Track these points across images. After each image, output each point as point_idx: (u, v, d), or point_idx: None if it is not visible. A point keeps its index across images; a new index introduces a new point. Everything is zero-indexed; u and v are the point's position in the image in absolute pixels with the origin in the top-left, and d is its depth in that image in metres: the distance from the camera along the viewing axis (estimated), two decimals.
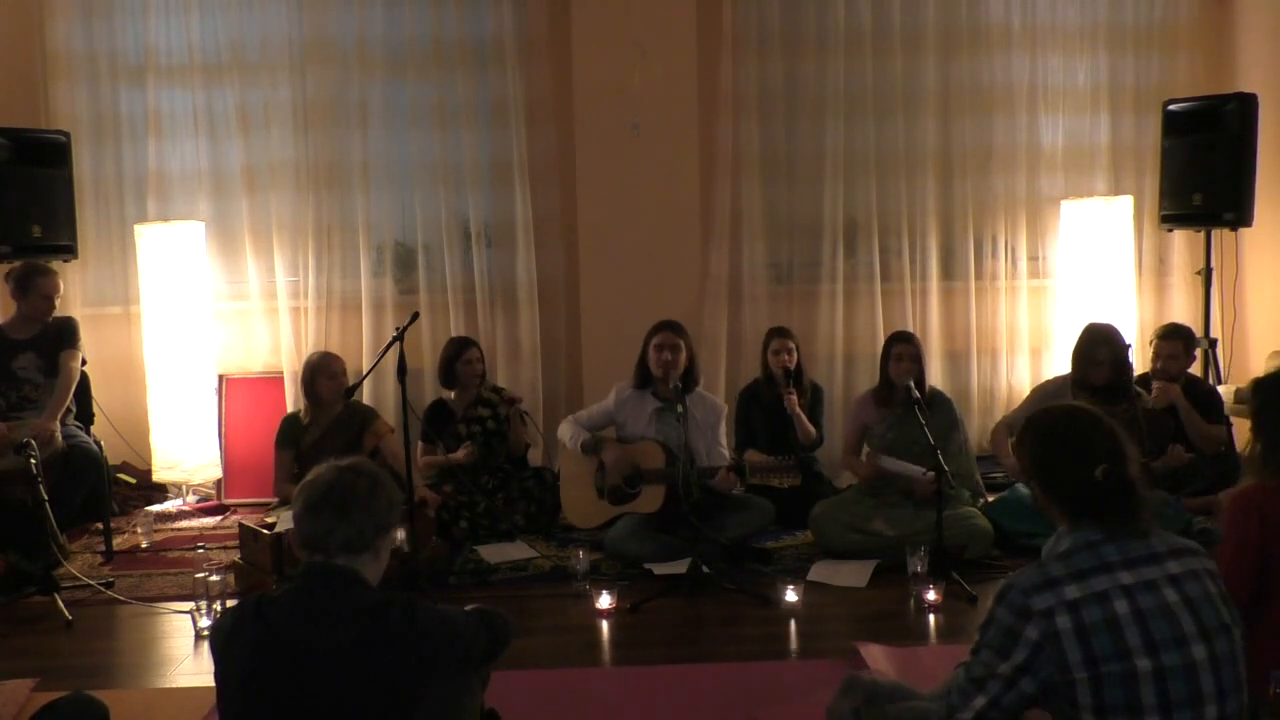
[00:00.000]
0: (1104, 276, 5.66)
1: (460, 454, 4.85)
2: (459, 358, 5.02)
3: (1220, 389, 5.01)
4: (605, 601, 3.81)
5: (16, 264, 4.98)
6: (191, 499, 5.62)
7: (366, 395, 5.59)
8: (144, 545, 4.83)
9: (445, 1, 5.71)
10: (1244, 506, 2.43)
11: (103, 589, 4.15)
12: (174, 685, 3.36)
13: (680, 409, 4.16)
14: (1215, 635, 1.82)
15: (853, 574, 4.12)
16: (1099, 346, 4.46)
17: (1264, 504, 2.40)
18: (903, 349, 4.55)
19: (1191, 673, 1.79)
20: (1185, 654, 1.79)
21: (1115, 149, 5.92)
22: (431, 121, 5.78)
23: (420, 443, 4.95)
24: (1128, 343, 4.52)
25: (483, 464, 4.92)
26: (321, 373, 4.87)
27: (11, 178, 5.13)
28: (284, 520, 4.17)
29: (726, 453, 4.64)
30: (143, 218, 5.75)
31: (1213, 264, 5.48)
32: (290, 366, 5.77)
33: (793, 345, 5.02)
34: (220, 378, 5.77)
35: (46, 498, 4.02)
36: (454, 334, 5.74)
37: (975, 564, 4.14)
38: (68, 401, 4.84)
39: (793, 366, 4.97)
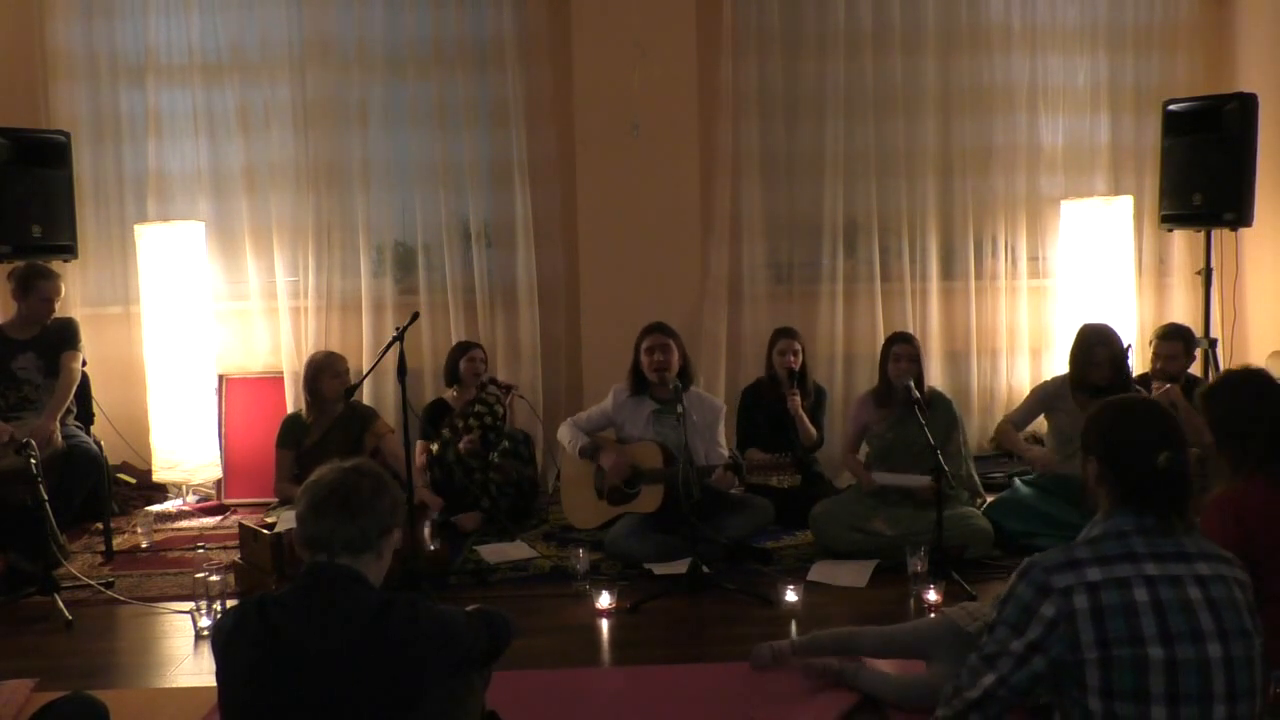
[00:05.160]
0: (1104, 276, 5.66)
1: (461, 445, 4.88)
2: (462, 355, 5.12)
3: None
4: (605, 601, 3.81)
5: (18, 264, 4.98)
6: (191, 499, 5.62)
7: (366, 395, 5.59)
8: (144, 545, 4.83)
9: (445, 1, 5.71)
10: (1221, 511, 2.46)
11: (103, 589, 4.15)
12: (174, 685, 3.36)
13: (680, 409, 4.15)
14: (1233, 637, 1.82)
15: (853, 574, 4.13)
16: (1096, 347, 4.45)
17: (1240, 507, 2.43)
18: (901, 349, 4.55)
19: (1204, 669, 1.79)
20: (1200, 650, 1.80)
21: (1115, 149, 5.93)
22: (431, 121, 5.78)
23: (419, 441, 4.97)
24: (1128, 343, 4.52)
25: (475, 457, 4.94)
26: (325, 371, 4.88)
27: (11, 178, 5.13)
28: (284, 520, 4.17)
29: (725, 452, 4.64)
30: (143, 218, 5.75)
31: (1213, 264, 5.48)
32: (290, 366, 5.77)
33: (799, 346, 5.02)
34: (220, 378, 5.77)
35: (46, 498, 4.02)
36: (454, 334, 5.77)
37: (975, 564, 4.14)
38: (68, 402, 4.84)
39: (798, 367, 4.98)
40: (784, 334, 5.08)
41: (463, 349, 5.18)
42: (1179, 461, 1.94)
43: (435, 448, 4.96)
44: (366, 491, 2.03)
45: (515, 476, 4.93)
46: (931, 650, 2.94)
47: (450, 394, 5.16)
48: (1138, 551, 1.88)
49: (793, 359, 4.98)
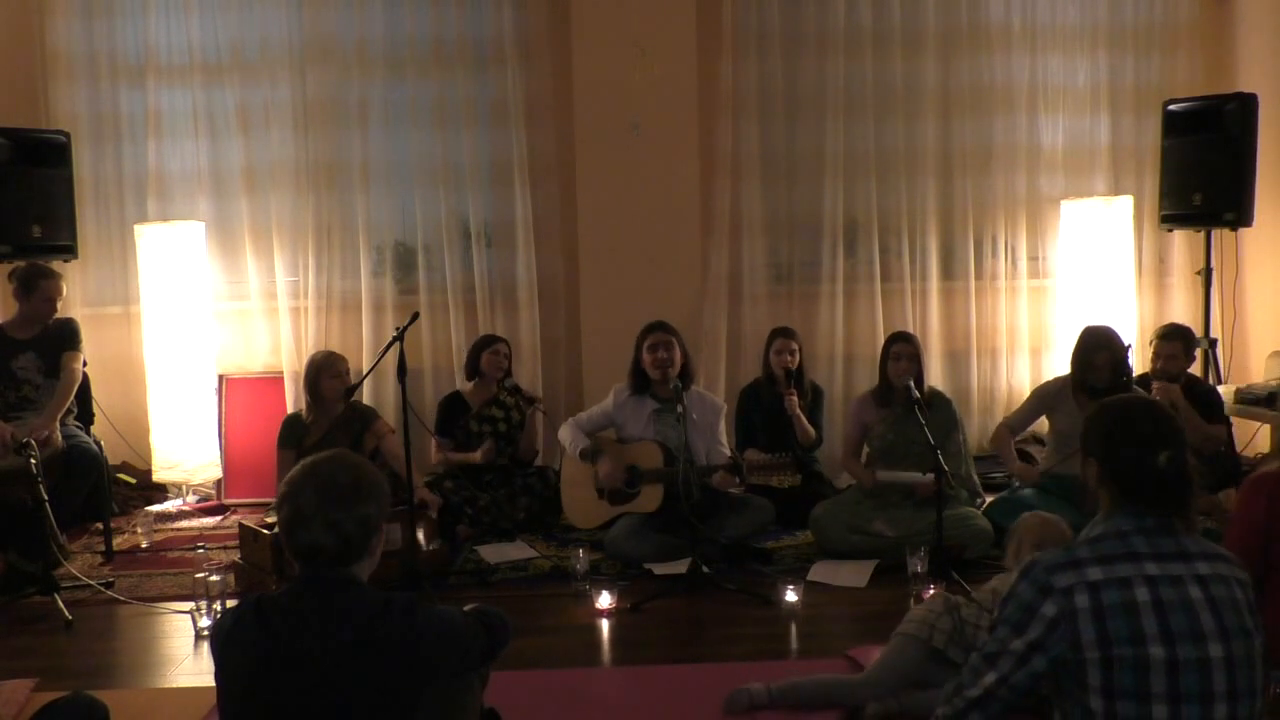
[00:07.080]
0: (1104, 277, 5.66)
1: (478, 455, 4.87)
2: (486, 348, 5.10)
3: (1220, 389, 5.01)
4: (605, 601, 3.82)
5: (19, 264, 4.98)
6: (191, 499, 5.62)
7: (366, 395, 5.58)
8: (144, 545, 4.84)
9: (445, 1, 5.71)
10: (1255, 487, 2.51)
11: (103, 589, 4.15)
12: (174, 685, 3.36)
13: (680, 408, 4.15)
14: (1234, 637, 1.82)
15: (853, 574, 4.13)
16: (1098, 351, 4.45)
17: (1275, 487, 2.44)
18: (901, 348, 4.55)
19: (1205, 669, 1.80)
20: (1201, 649, 1.80)
21: (1115, 149, 5.92)
22: (431, 121, 5.78)
23: (435, 438, 4.97)
24: (1128, 343, 4.52)
25: (490, 469, 4.94)
26: (326, 371, 4.88)
27: (11, 178, 5.13)
28: None
29: (726, 451, 4.64)
30: (143, 218, 5.75)
31: (1213, 264, 5.48)
32: (290, 366, 5.77)
33: (795, 346, 5.02)
34: (220, 378, 5.77)
35: (46, 498, 4.02)
36: (454, 334, 5.79)
37: (975, 564, 4.13)
38: (69, 403, 4.84)
39: (794, 367, 4.98)
40: (781, 334, 5.08)
41: (487, 342, 5.15)
42: (1179, 461, 1.94)
43: (448, 449, 4.98)
44: (349, 497, 1.98)
45: (525, 518, 4.89)
46: (925, 676, 2.87)
47: (468, 388, 5.15)
48: (1139, 551, 1.89)
49: (790, 359, 4.98)
